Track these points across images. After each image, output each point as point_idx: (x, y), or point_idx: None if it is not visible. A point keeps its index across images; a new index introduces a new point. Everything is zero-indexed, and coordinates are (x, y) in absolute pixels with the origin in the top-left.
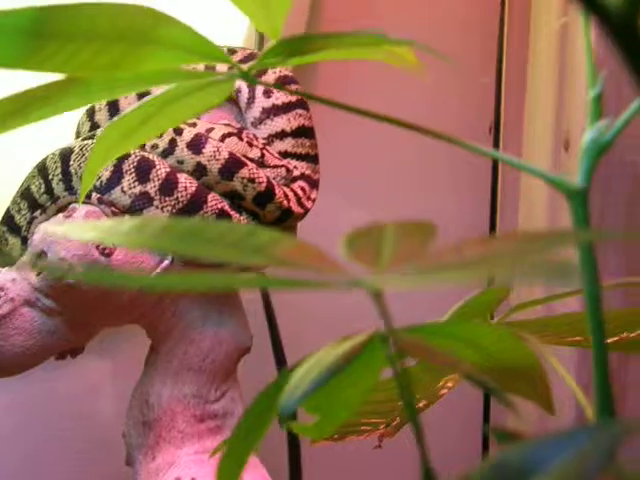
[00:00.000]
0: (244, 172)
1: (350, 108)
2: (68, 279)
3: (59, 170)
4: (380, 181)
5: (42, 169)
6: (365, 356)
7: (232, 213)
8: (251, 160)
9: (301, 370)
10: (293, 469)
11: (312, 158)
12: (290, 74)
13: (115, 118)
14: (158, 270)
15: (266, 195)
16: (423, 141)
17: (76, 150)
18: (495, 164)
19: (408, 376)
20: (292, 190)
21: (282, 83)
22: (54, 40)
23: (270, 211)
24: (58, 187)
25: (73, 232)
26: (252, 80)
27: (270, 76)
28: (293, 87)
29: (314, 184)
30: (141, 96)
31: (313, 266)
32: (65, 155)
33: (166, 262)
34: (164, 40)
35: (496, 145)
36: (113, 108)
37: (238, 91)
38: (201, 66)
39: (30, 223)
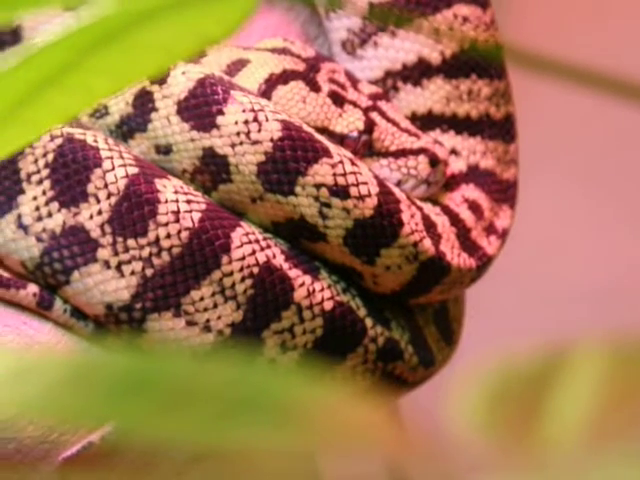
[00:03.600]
0: (322, 170)
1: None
2: None
3: None
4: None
5: None
6: None
7: (292, 273)
8: (342, 138)
9: None
10: None
11: (497, 128)
12: None
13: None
14: None
15: (377, 227)
16: None
17: None
18: None
19: None
20: (447, 212)
21: None
22: None
23: (389, 265)
24: None
25: None
26: None
27: None
28: None
29: (505, 193)
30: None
31: (382, 449)
32: None
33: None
34: None
35: None
36: (13, 36)
37: None
38: None
39: None
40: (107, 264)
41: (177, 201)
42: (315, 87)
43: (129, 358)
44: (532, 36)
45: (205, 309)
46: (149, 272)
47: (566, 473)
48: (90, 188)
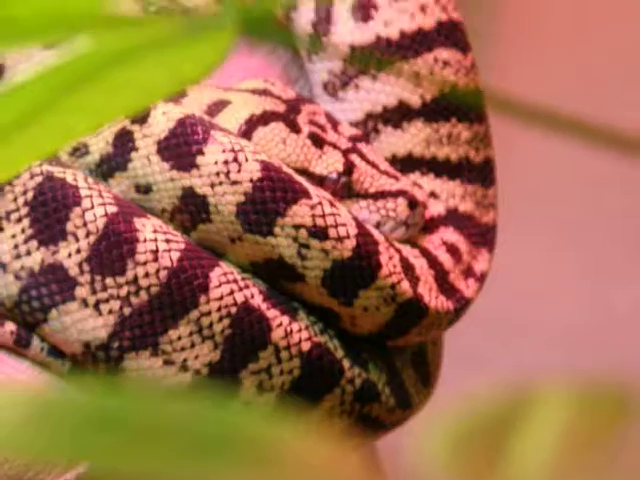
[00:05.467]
0: (301, 211)
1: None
2: None
3: None
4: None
5: None
6: None
7: (270, 314)
8: (321, 180)
9: None
10: None
11: (477, 172)
12: None
13: None
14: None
15: (355, 269)
16: None
17: None
18: None
19: None
20: (425, 254)
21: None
22: None
23: (367, 307)
24: None
25: None
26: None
27: None
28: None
29: (484, 237)
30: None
31: None
32: None
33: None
34: None
35: None
36: None
37: (291, 12)
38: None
39: None
40: (85, 302)
41: (156, 240)
42: (295, 128)
43: (97, 395)
44: (513, 80)
45: (182, 348)
46: (127, 311)
47: None
48: (69, 226)
